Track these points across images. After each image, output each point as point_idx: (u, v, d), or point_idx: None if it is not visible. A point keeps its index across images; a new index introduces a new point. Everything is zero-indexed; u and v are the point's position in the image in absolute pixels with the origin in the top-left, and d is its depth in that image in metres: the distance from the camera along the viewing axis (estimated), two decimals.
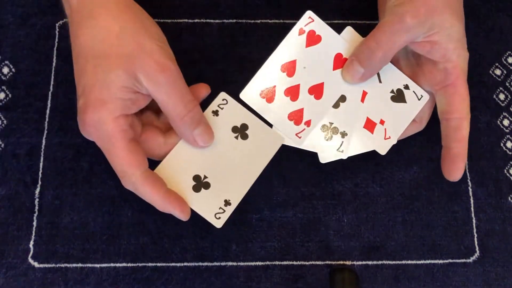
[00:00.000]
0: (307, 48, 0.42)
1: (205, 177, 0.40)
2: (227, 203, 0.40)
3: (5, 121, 0.48)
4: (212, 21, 0.51)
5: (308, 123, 0.42)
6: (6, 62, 0.50)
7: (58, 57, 0.50)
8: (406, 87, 0.43)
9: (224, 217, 0.40)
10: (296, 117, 0.42)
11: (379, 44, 0.40)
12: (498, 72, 0.51)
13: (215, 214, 0.40)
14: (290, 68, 0.42)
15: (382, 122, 0.43)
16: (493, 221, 0.47)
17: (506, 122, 0.50)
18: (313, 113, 0.42)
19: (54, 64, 0.50)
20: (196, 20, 0.51)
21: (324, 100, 0.42)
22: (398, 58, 0.44)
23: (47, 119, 0.48)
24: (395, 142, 0.43)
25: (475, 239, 0.47)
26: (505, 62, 0.52)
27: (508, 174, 0.49)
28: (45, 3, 0.51)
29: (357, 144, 0.43)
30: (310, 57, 0.42)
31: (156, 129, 0.41)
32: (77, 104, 0.38)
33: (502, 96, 0.51)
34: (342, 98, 0.42)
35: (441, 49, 0.40)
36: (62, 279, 0.45)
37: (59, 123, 0.48)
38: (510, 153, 0.49)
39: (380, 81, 0.43)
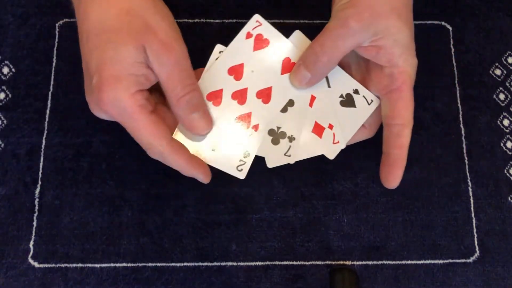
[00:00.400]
0: (254, 51, 0.42)
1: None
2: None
3: (5, 121, 0.48)
4: (212, 21, 0.51)
5: (256, 127, 0.42)
6: (6, 62, 0.50)
7: (58, 57, 0.50)
8: (356, 91, 0.43)
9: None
10: (244, 121, 0.41)
11: (324, 48, 0.39)
12: (498, 72, 0.51)
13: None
14: (237, 72, 0.41)
15: (330, 126, 0.43)
16: (493, 221, 0.47)
17: (506, 122, 0.50)
18: (261, 118, 0.42)
19: (54, 64, 0.50)
20: (196, 20, 0.51)
21: (272, 105, 0.42)
22: (349, 63, 0.44)
23: (47, 119, 0.48)
24: (343, 147, 0.43)
25: (475, 239, 0.47)
26: (505, 62, 0.52)
27: (508, 174, 0.49)
28: (45, 3, 0.51)
29: (305, 148, 0.42)
30: (258, 61, 0.41)
31: (166, 106, 0.41)
32: (88, 84, 0.38)
33: (502, 96, 0.51)
34: (290, 103, 0.42)
35: (387, 54, 0.40)
36: (62, 279, 0.45)
37: (59, 123, 0.48)
38: (510, 153, 0.49)
39: (329, 86, 0.43)
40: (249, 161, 0.41)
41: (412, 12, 0.41)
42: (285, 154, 0.42)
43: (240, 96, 0.41)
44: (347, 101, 0.43)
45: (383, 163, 0.42)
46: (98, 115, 0.39)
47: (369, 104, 0.43)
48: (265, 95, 0.41)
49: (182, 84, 0.38)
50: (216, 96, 0.41)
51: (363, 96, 0.43)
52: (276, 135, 0.42)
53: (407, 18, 0.40)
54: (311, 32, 0.41)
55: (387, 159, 0.42)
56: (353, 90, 0.43)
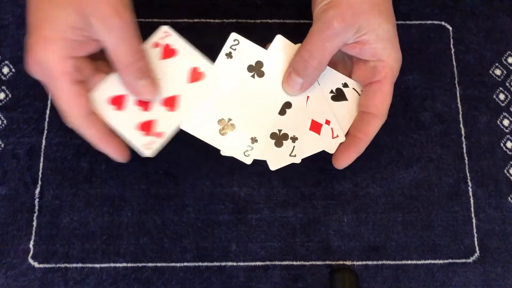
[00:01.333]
0: (162, 60, 0.42)
1: (229, 119, 0.41)
2: (253, 140, 0.42)
3: (5, 121, 0.48)
4: (212, 21, 0.51)
5: (159, 135, 0.41)
6: (6, 62, 0.50)
7: None
8: (345, 85, 0.44)
9: (253, 153, 0.42)
10: (146, 128, 0.41)
11: (312, 52, 0.40)
12: (498, 72, 0.51)
13: (244, 152, 0.42)
14: None
15: (327, 122, 0.43)
16: (493, 221, 0.47)
17: (506, 122, 0.50)
18: (166, 125, 0.41)
19: None
20: (196, 20, 0.51)
21: (179, 113, 0.41)
22: (335, 61, 0.44)
23: (47, 119, 0.48)
24: (343, 139, 0.43)
25: (475, 239, 0.47)
26: (505, 62, 0.52)
27: (508, 174, 0.49)
28: None
29: (307, 146, 0.43)
30: (164, 69, 0.41)
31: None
32: (26, 42, 0.37)
33: (502, 96, 0.51)
34: (288, 105, 0.43)
35: (370, 48, 0.41)
36: (62, 279, 0.45)
37: (59, 123, 0.48)
38: (510, 153, 0.49)
39: (319, 84, 0.43)
40: (257, 147, 0.42)
41: (392, 7, 0.42)
42: (290, 155, 0.43)
43: (144, 103, 0.41)
44: (338, 95, 0.44)
45: (342, 144, 0.43)
46: (31, 74, 0.38)
47: (359, 95, 0.44)
48: (171, 103, 0.41)
49: (132, 50, 0.38)
50: (119, 101, 0.41)
51: (353, 88, 0.44)
52: (279, 138, 0.42)
53: (388, 13, 0.41)
54: None
55: (347, 140, 0.43)
56: (342, 84, 0.44)
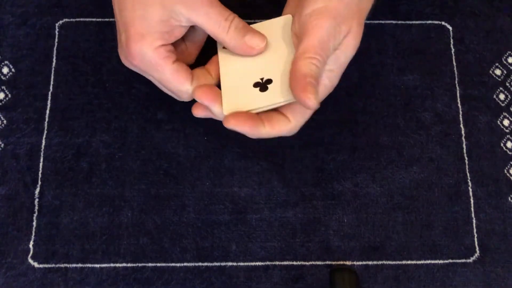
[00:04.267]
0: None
1: (262, 78, 0.41)
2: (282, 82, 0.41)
3: (5, 121, 0.48)
4: None
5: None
6: (6, 62, 0.50)
7: (58, 57, 0.50)
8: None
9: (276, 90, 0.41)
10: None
11: (323, 57, 0.39)
12: (498, 72, 0.51)
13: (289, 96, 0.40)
14: None
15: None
16: (493, 221, 0.47)
17: (506, 122, 0.50)
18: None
19: (54, 64, 0.50)
20: None
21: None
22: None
23: (47, 119, 0.48)
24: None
25: (475, 239, 0.47)
26: (505, 62, 0.52)
27: (508, 174, 0.49)
28: (45, 3, 0.51)
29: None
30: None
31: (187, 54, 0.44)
32: (119, 39, 0.42)
33: (502, 96, 0.51)
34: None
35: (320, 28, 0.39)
36: (62, 279, 0.45)
37: (59, 123, 0.48)
38: (510, 153, 0.49)
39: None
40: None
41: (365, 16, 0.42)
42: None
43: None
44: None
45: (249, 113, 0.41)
46: (129, 67, 0.42)
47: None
48: None
49: (223, 16, 0.40)
50: None
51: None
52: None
53: (360, 36, 0.41)
54: None
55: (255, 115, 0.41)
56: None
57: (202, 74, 0.43)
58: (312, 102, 0.37)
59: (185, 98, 0.43)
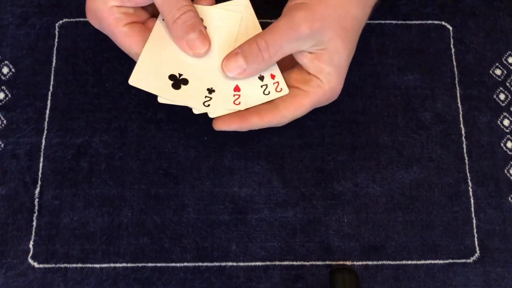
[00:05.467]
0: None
1: (180, 74, 0.41)
2: (210, 90, 0.41)
3: (5, 121, 0.48)
4: None
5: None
6: (6, 62, 0.50)
7: (58, 57, 0.50)
8: (272, 76, 0.43)
9: (213, 103, 0.41)
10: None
11: (269, 45, 0.40)
12: (498, 72, 0.51)
13: (204, 103, 0.41)
14: None
15: (272, 76, 0.43)
16: (493, 221, 0.47)
17: (506, 122, 0.50)
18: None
19: (54, 64, 0.50)
20: None
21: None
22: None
23: (46, 119, 0.48)
24: (287, 92, 0.42)
25: (475, 239, 0.47)
26: (505, 62, 0.52)
27: (508, 174, 0.49)
28: (45, 3, 0.51)
29: (252, 97, 0.42)
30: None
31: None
32: None
33: (502, 96, 0.51)
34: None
35: (318, 66, 0.41)
36: (62, 279, 0.45)
37: (59, 123, 0.48)
38: (510, 153, 0.49)
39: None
40: (216, 96, 0.41)
41: (358, 37, 0.42)
42: (234, 102, 0.42)
43: None
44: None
45: (236, 112, 0.42)
46: (93, 25, 0.42)
47: (277, 91, 0.43)
48: None
49: (177, 5, 0.39)
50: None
51: (277, 82, 0.43)
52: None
53: (350, 42, 0.41)
54: None
55: (242, 111, 0.42)
56: (271, 74, 0.43)
57: None
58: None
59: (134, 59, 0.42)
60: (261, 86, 0.43)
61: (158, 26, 0.42)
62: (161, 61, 0.41)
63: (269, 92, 0.42)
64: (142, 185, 0.47)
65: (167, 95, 0.41)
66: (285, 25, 0.40)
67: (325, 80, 0.42)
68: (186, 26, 0.40)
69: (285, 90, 0.43)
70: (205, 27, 0.41)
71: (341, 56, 0.41)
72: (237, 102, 0.42)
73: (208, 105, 0.41)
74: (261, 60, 0.40)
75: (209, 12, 0.43)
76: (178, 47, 0.41)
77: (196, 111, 0.42)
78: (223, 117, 0.42)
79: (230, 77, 0.41)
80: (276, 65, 0.43)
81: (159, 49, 0.41)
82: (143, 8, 0.42)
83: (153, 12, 0.43)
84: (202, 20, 0.41)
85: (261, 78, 0.43)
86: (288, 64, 0.44)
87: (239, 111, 0.42)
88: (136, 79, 0.41)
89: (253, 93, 0.43)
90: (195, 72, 0.41)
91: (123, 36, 0.40)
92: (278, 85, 0.43)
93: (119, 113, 0.49)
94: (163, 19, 0.41)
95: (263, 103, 0.43)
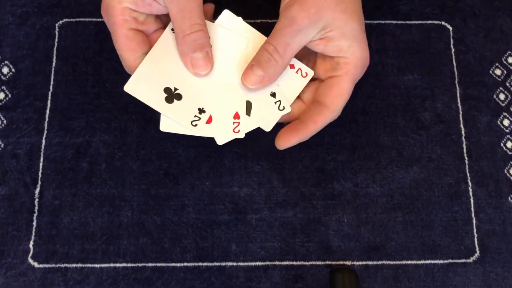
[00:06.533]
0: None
1: (176, 89, 0.41)
2: (201, 111, 0.41)
3: (5, 121, 0.48)
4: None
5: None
6: (6, 62, 0.50)
7: (58, 57, 0.50)
8: (292, 66, 0.43)
9: (201, 123, 0.41)
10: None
11: (276, 47, 0.40)
12: (498, 72, 0.51)
13: (191, 122, 0.41)
14: None
15: (273, 95, 0.43)
16: (493, 221, 0.47)
17: (506, 122, 0.50)
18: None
19: (54, 64, 0.50)
20: None
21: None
22: (299, 55, 0.44)
23: (47, 119, 0.48)
24: (289, 110, 0.43)
25: (475, 239, 0.47)
26: (505, 62, 0.52)
27: (508, 174, 0.49)
28: (45, 3, 0.51)
29: (252, 120, 0.42)
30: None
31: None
32: None
33: (502, 96, 0.51)
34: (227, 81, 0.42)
35: (335, 46, 0.41)
36: (62, 279, 0.45)
37: (59, 123, 0.48)
38: (510, 153, 0.49)
39: None
40: (205, 118, 0.41)
41: (360, 4, 0.42)
42: (234, 131, 0.42)
43: None
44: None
45: (289, 125, 0.43)
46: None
47: (303, 77, 0.43)
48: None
49: (190, 21, 0.39)
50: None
51: (299, 69, 0.43)
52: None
53: (354, 11, 0.41)
54: None
55: (295, 123, 0.42)
56: (289, 65, 0.43)
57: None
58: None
59: (125, 66, 0.41)
60: (275, 103, 0.42)
61: (166, 36, 0.41)
62: (160, 72, 0.41)
63: (283, 108, 0.42)
64: (142, 185, 0.47)
65: (158, 107, 0.41)
66: (284, 23, 0.40)
67: (349, 54, 0.41)
68: (195, 44, 0.40)
69: (310, 72, 0.43)
70: (211, 47, 0.41)
71: (351, 26, 0.41)
72: (236, 130, 0.42)
73: (196, 125, 0.41)
74: (274, 63, 0.40)
75: (216, 31, 0.42)
76: (182, 62, 0.41)
77: (187, 131, 0.41)
78: (282, 136, 0.42)
79: (253, 89, 0.42)
80: (275, 83, 0.43)
81: (161, 59, 0.41)
82: (157, 17, 0.42)
83: (166, 22, 0.43)
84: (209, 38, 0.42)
85: (273, 95, 0.42)
86: (311, 60, 0.44)
87: (293, 122, 0.42)
88: (132, 87, 0.40)
89: (267, 112, 0.42)
90: (190, 90, 0.41)
91: (123, 37, 0.40)
92: (301, 71, 0.43)
93: (119, 113, 0.49)
94: (172, 29, 0.41)
95: (311, 105, 0.43)
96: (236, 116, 0.42)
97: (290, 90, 0.43)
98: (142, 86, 0.40)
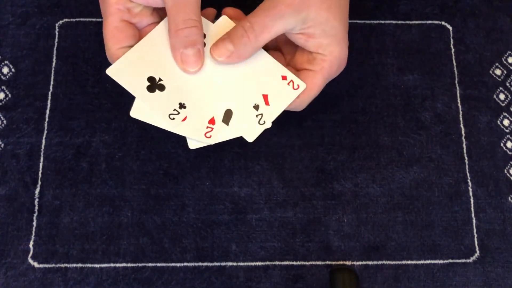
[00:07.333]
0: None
1: (160, 79, 0.40)
2: (182, 106, 0.40)
3: (5, 121, 0.48)
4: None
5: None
6: (6, 62, 0.50)
7: (58, 57, 0.50)
8: (284, 77, 0.43)
9: (178, 118, 0.40)
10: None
11: (253, 25, 0.40)
12: (498, 72, 0.51)
13: (169, 115, 0.40)
14: None
15: (284, 78, 0.42)
16: (493, 221, 0.47)
17: (506, 122, 0.50)
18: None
19: (54, 64, 0.50)
20: None
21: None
22: (279, 44, 0.44)
23: (46, 119, 0.48)
24: (304, 86, 0.42)
25: (475, 239, 0.47)
26: (505, 62, 0.52)
27: (508, 174, 0.49)
28: (45, 3, 0.51)
29: (273, 108, 0.42)
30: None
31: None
32: None
33: (502, 96, 0.51)
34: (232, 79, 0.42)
35: (315, 42, 0.41)
36: (62, 279, 0.45)
37: (58, 123, 0.48)
38: (510, 153, 0.49)
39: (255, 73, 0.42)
40: (184, 114, 0.40)
41: (346, 4, 0.42)
42: (259, 123, 0.41)
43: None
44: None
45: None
46: None
47: (295, 89, 0.42)
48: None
49: (184, 16, 0.39)
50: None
51: (291, 81, 0.43)
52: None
53: (338, 10, 0.41)
54: None
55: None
56: (281, 76, 0.42)
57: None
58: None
59: (107, 55, 0.41)
60: (256, 116, 0.42)
61: (160, 28, 0.41)
62: (147, 61, 0.40)
63: (264, 122, 0.42)
64: (142, 185, 0.47)
65: (138, 94, 0.40)
66: (267, 5, 0.40)
67: (327, 52, 0.41)
68: (187, 40, 0.39)
69: (302, 85, 0.42)
70: (204, 45, 0.41)
71: (333, 24, 0.41)
72: (208, 135, 0.41)
73: (173, 118, 0.40)
74: (247, 40, 0.40)
75: (210, 29, 0.42)
76: (172, 56, 0.40)
77: (160, 123, 0.40)
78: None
79: (219, 62, 0.41)
80: (284, 67, 0.43)
81: (150, 50, 0.41)
82: (154, 10, 0.42)
83: (164, 16, 0.42)
84: (204, 36, 0.41)
85: (256, 107, 0.42)
86: (291, 51, 0.44)
87: None
88: (115, 71, 0.40)
89: (247, 124, 0.41)
90: (175, 83, 0.40)
91: (112, 27, 0.39)
92: (293, 83, 0.43)
93: (119, 113, 0.49)
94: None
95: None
96: (211, 121, 0.41)
97: (278, 102, 0.42)
98: (125, 71, 0.40)
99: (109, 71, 0.40)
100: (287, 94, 0.42)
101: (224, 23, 0.42)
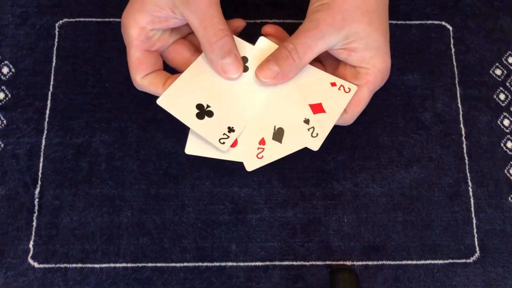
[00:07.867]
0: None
1: (208, 106, 0.41)
2: (230, 129, 0.41)
3: (4, 121, 0.48)
4: None
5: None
6: (6, 62, 0.50)
7: (57, 57, 0.50)
8: (333, 84, 0.43)
9: (228, 142, 0.41)
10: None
11: (296, 46, 0.40)
12: (498, 72, 0.51)
13: (219, 139, 0.41)
14: None
15: (333, 84, 0.43)
16: (493, 221, 0.47)
17: (506, 122, 0.50)
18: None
19: (53, 64, 0.50)
20: None
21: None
22: (321, 59, 0.45)
23: (46, 119, 0.48)
24: (356, 88, 0.42)
25: (475, 239, 0.47)
26: (505, 62, 0.52)
27: (508, 174, 0.49)
28: (45, 3, 0.51)
29: (326, 118, 0.42)
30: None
31: (187, 43, 0.43)
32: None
33: (502, 96, 0.51)
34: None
35: (357, 56, 0.41)
36: (62, 279, 0.45)
37: (58, 123, 0.48)
38: (510, 153, 0.49)
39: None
40: (233, 137, 0.41)
41: (386, 14, 0.42)
42: (312, 136, 0.42)
43: None
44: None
45: None
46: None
47: (346, 93, 0.43)
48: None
49: (213, 29, 0.40)
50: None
51: (341, 85, 0.43)
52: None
53: (380, 22, 0.41)
54: None
55: None
56: (330, 83, 0.43)
57: (160, 79, 0.42)
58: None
59: (135, 85, 0.42)
60: (308, 130, 0.42)
61: (201, 57, 0.42)
62: (194, 89, 0.41)
63: (317, 134, 0.42)
64: (142, 185, 0.47)
65: (188, 122, 0.41)
66: (309, 26, 0.40)
67: (370, 66, 0.41)
68: (222, 51, 0.40)
69: (353, 88, 0.42)
70: (247, 69, 0.42)
71: (375, 38, 0.41)
72: (260, 156, 0.42)
73: (223, 143, 0.41)
74: (291, 61, 0.41)
75: (251, 51, 0.43)
76: (213, 69, 0.41)
77: (214, 154, 0.41)
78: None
79: (265, 83, 0.41)
80: (330, 74, 0.43)
81: (195, 78, 0.42)
82: (173, 29, 0.42)
83: (185, 31, 0.43)
84: (246, 60, 0.42)
85: (307, 121, 0.42)
86: (332, 64, 0.44)
87: None
88: (165, 101, 0.41)
89: (300, 139, 0.42)
90: (222, 108, 0.41)
91: (134, 59, 0.41)
92: (344, 87, 0.43)
93: (119, 113, 0.49)
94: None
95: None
96: (262, 141, 0.42)
97: (333, 108, 0.42)
98: (174, 101, 0.41)
99: (160, 102, 0.41)
100: (340, 98, 0.42)
101: (264, 45, 0.43)
